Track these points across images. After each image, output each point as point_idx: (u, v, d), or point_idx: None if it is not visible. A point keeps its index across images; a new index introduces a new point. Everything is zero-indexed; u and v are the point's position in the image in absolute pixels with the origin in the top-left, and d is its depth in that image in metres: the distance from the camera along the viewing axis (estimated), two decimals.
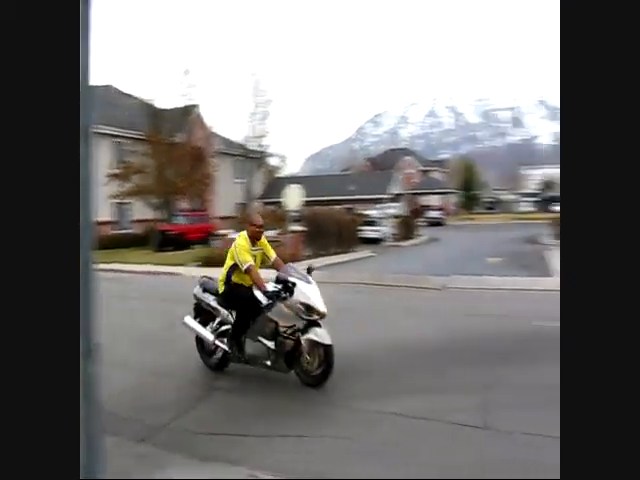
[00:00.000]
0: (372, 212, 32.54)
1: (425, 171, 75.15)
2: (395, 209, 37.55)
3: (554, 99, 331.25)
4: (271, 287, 5.85)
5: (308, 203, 26.00)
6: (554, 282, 14.46)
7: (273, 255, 6.49)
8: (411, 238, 33.15)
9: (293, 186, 23.68)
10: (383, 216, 32.35)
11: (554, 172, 71.85)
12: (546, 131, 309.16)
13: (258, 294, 6.04)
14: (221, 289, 6.35)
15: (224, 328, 6.40)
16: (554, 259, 19.68)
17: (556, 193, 61.33)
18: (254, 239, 6.25)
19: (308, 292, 5.80)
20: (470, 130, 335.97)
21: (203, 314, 6.64)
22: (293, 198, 23.08)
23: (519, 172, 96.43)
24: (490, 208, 78.60)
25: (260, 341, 6.04)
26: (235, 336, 6.19)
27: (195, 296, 6.68)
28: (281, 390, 5.91)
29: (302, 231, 22.16)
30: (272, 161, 49.95)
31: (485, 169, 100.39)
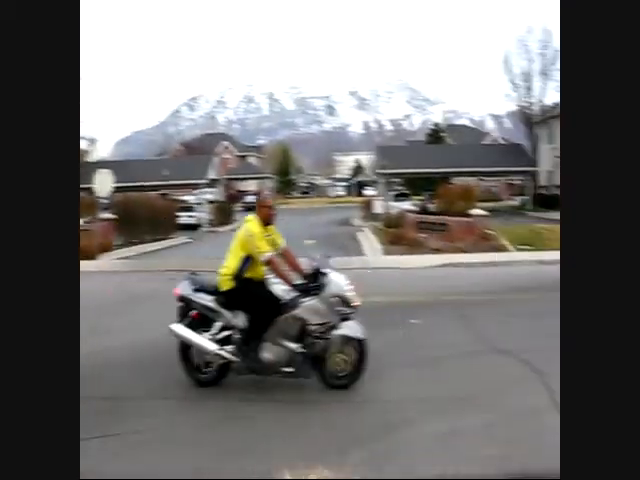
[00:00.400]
0: (188, 197, 31.77)
1: (242, 156, 75.18)
2: (212, 194, 37.09)
3: (364, 90, 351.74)
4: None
5: (119, 189, 24.52)
6: (366, 260, 15.39)
7: (282, 242, 5.47)
8: (228, 223, 32.95)
9: (103, 171, 22.12)
10: (200, 202, 31.75)
11: (364, 158, 76.55)
12: (356, 120, 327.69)
13: (277, 289, 5.21)
14: (227, 286, 5.16)
15: (225, 334, 5.20)
16: (364, 239, 20.98)
17: (365, 178, 65.50)
18: (266, 223, 5.24)
19: (341, 282, 5.10)
20: (286, 117, 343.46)
21: (190, 319, 5.27)
22: (103, 184, 21.55)
23: (332, 158, 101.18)
24: (306, 192, 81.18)
25: (282, 345, 5.05)
26: (249, 342, 5.10)
27: (183, 298, 5.30)
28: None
29: (113, 219, 20.87)
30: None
31: (301, 155, 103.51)
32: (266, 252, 4.99)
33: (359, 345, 5.13)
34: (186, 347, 5.23)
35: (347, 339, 5.14)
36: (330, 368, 5.15)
